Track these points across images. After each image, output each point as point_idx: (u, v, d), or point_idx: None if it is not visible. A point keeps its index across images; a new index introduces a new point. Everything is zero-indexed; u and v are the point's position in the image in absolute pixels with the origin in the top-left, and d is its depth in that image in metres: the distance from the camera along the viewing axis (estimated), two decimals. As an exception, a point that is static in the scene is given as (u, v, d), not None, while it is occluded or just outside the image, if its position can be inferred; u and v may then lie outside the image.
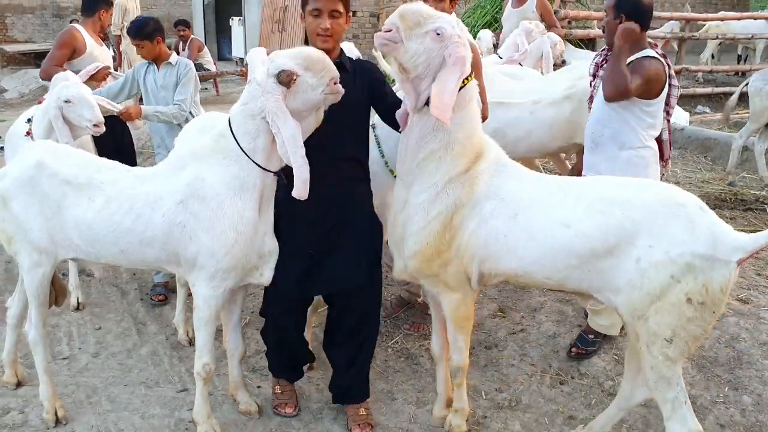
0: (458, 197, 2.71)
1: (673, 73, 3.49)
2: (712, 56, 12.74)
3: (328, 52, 2.83)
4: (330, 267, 3.07)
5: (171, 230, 2.87)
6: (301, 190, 2.61)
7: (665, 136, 3.58)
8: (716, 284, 2.40)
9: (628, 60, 3.34)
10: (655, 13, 10.87)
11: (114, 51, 9.82)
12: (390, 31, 2.59)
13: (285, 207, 2.96)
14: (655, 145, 3.48)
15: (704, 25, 11.00)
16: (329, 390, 3.39)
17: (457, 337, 2.94)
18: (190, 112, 4.39)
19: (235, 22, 16.30)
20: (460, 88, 2.60)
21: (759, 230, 5.04)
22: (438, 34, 2.56)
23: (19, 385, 3.55)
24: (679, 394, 2.54)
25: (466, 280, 2.81)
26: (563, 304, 4.11)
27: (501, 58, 6.20)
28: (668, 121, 3.59)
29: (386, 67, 4.03)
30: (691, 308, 2.42)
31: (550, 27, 7.21)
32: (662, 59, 3.39)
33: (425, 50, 2.57)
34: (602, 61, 3.63)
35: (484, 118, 3.47)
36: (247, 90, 2.76)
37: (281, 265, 3.02)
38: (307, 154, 2.63)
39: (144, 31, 4.36)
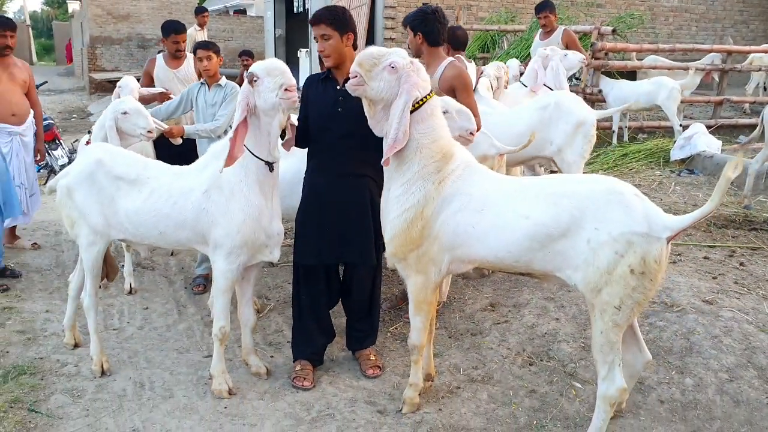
0: (428, 192, 3.26)
1: None
2: (765, 88, 12.82)
3: (335, 68, 3.53)
4: (342, 242, 3.78)
5: (198, 215, 3.57)
6: (220, 165, 3.34)
7: None
8: (651, 257, 2.88)
9: None
10: (696, 46, 11.20)
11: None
12: (355, 77, 3.22)
13: (309, 191, 3.81)
14: None
15: (747, 58, 11.17)
16: (346, 336, 4.13)
17: (416, 318, 3.47)
18: (230, 126, 5.10)
19: (302, 54, 17.35)
20: (419, 106, 3.20)
21: (756, 248, 5.42)
22: (392, 67, 3.18)
23: (76, 346, 4.29)
24: (616, 357, 3.02)
25: (431, 267, 3.35)
26: (547, 301, 4.57)
27: (526, 86, 6.76)
28: None
29: None
30: (634, 278, 2.90)
31: (577, 55, 7.71)
32: None
33: (385, 84, 3.20)
34: None
35: (477, 128, 4.08)
36: None
37: (304, 237, 3.80)
38: (329, 150, 3.59)
39: (214, 44, 5.23)
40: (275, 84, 3.31)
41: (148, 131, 4.52)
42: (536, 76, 6.56)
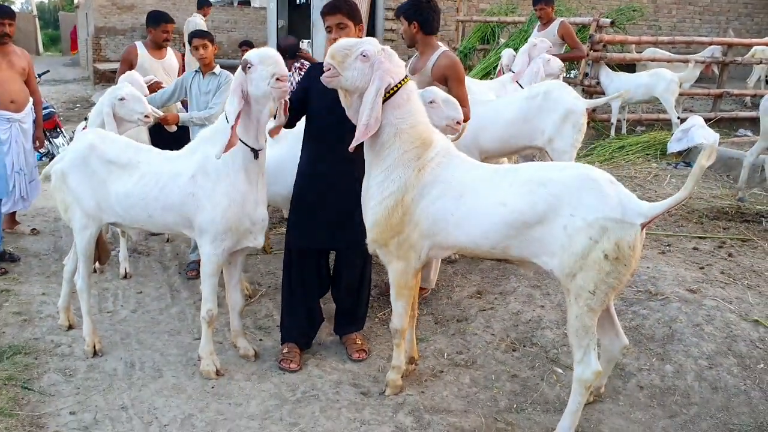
0: (408, 179, 3.31)
1: None
2: (767, 81, 12.81)
3: None
4: (336, 226, 3.87)
5: (184, 199, 3.64)
6: (219, 151, 3.39)
7: None
8: (625, 242, 2.93)
9: None
10: (695, 39, 11.20)
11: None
12: (329, 69, 3.28)
13: (305, 176, 3.90)
14: None
15: (748, 50, 11.16)
16: (334, 321, 4.21)
17: (397, 303, 3.54)
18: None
19: (304, 44, 17.37)
20: (394, 92, 3.26)
21: (746, 240, 5.46)
22: (364, 56, 3.23)
23: (70, 327, 4.38)
24: (591, 341, 3.08)
25: (412, 253, 3.41)
26: (533, 288, 4.64)
27: (514, 73, 6.80)
28: None
29: None
30: (608, 263, 2.94)
31: (573, 48, 7.73)
32: None
33: (359, 72, 3.25)
34: None
35: (466, 119, 4.13)
36: None
37: (299, 220, 3.89)
38: (325, 137, 3.71)
39: (209, 33, 5.31)
40: (268, 73, 3.36)
41: (145, 116, 4.58)
42: (523, 64, 6.59)
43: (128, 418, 3.40)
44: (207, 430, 3.32)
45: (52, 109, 8.87)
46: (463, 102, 4.18)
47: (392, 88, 3.28)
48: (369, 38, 3.41)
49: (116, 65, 20.16)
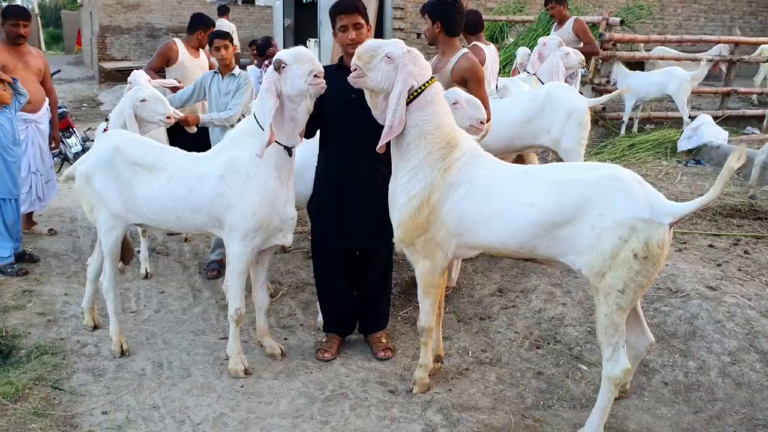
0: (434, 179, 3.35)
1: None
2: (771, 79, 12.83)
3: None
4: (361, 226, 3.90)
5: (213, 199, 3.67)
6: (261, 150, 3.42)
7: None
8: (654, 242, 2.96)
9: None
10: (703, 37, 11.23)
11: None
12: (355, 69, 3.34)
13: (325, 178, 3.93)
14: None
15: (755, 49, 11.19)
16: (358, 320, 4.23)
17: (425, 301, 3.57)
18: (243, 115, 5.20)
19: (311, 44, 17.40)
20: (419, 94, 3.30)
21: (761, 237, 5.50)
22: (389, 58, 3.28)
23: (95, 328, 4.41)
24: (620, 339, 3.11)
25: (438, 252, 3.44)
26: (554, 287, 4.67)
27: (528, 73, 6.84)
28: None
29: None
30: (637, 262, 2.98)
31: (586, 45, 7.75)
32: None
33: (383, 74, 3.31)
34: None
35: (487, 119, 4.16)
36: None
37: (323, 223, 3.94)
38: (344, 136, 3.73)
39: (229, 34, 5.35)
40: (304, 70, 3.41)
41: (167, 117, 4.62)
42: (536, 63, 6.63)
43: (160, 417, 3.43)
44: (239, 429, 3.35)
45: (65, 109, 8.90)
46: (483, 103, 4.21)
47: (416, 90, 3.32)
48: (395, 40, 3.44)
49: (121, 64, 20.22)
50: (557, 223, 3.12)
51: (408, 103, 3.33)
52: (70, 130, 8.70)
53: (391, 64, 3.31)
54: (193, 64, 6.06)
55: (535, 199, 3.17)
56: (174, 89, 5.57)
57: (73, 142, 8.65)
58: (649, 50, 10.91)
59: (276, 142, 3.52)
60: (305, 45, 15.32)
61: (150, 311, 4.75)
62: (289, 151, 3.63)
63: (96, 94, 18.12)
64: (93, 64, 22.64)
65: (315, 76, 3.42)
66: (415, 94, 3.33)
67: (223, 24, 14.29)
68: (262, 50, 8.25)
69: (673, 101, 9.49)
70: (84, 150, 8.80)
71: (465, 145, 3.44)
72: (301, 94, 3.47)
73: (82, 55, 28.19)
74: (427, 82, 3.38)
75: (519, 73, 6.98)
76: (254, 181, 3.57)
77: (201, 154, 3.93)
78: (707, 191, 2.96)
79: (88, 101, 16.83)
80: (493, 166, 3.43)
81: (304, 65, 3.43)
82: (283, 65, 3.43)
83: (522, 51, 7.44)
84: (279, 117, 3.51)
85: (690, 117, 9.20)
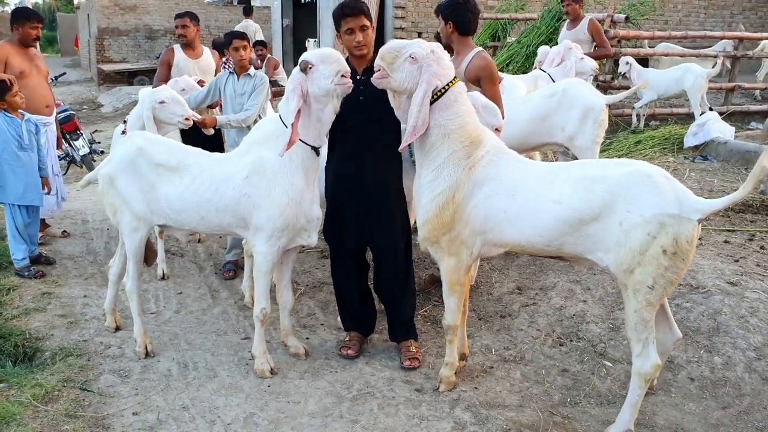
0: (458, 177, 3.35)
1: None
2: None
3: (362, 58, 3.64)
4: (368, 226, 3.89)
5: (239, 200, 3.68)
6: (282, 150, 3.43)
7: None
8: (683, 237, 2.97)
9: None
10: (707, 33, 11.26)
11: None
12: (379, 70, 3.34)
13: (334, 177, 3.93)
14: None
15: (758, 44, 11.24)
16: (388, 327, 4.20)
17: (450, 299, 3.58)
18: (259, 116, 5.20)
19: (310, 44, 17.39)
20: (442, 94, 3.31)
21: (773, 231, 5.52)
22: (413, 58, 3.28)
23: (117, 329, 4.41)
24: (650, 334, 3.12)
25: (463, 249, 3.45)
26: (573, 284, 4.69)
27: (543, 71, 6.85)
28: None
29: None
30: (666, 258, 2.99)
31: (599, 46, 7.75)
32: None
33: (407, 74, 3.31)
34: None
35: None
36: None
37: (331, 222, 3.93)
38: (351, 138, 3.70)
39: (246, 35, 5.35)
40: (331, 71, 3.41)
41: (186, 118, 4.62)
42: (559, 61, 6.63)
43: (191, 417, 3.44)
44: (270, 428, 3.36)
45: (72, 111, 8.89)
46: (497, 102, 4.22)
47: (440, 90, 3.33)
48: (418, 40, 3.45)
49: (120, 66, 20.18)
50: (585, 221, 3.13)
51: (431, 103, 3.34)
52: (78, 132, 8.68)
53: (415, 65, 3.31)
54: (189, 65, 6.01)
55: (562, 197, 3.17)
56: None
57: (81, 144, 8.63)
58: (653, 47, 10.93)
59: (302, 141, 3.53)
60: (304, 45, 15.39)
61: (170, 312, 4.75)
62: (316, 151, 3.63)
63: (95, 96, 18.10)
64: (91, 66, 22.62)
65: (342, 76, 3.43)
66: (439, 94, 3.34)
67: (249, 25, 14.40)
68: (220, 51, 8.38)
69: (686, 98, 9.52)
70: (91, 152, 8.79)
71: (489, 143, 3.45)
72: (327, 94, 3.48)
73: (79, 57, 28.13)
74: (451, 81, 3.39)
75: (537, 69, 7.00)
76: (281, 181, 3.57)
77: (225, 154, 3.95)
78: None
79: (89, 103, 16.82)
80: (519, 164, 3.43)
81: (330, 66, 3.43)
82: (310, 66, 3.44)
83: (543, 49, 7.46)
84: (306, 117, 3.52)
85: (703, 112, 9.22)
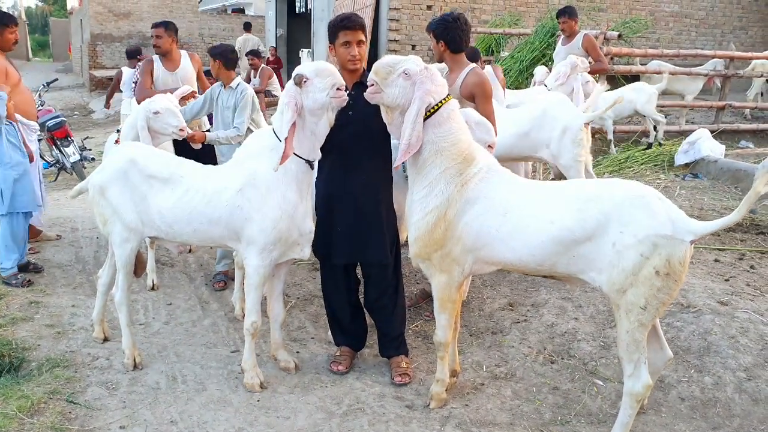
0: (451, 194, 3.34)
1: None
2: (761, 94, 13.00)
3: (354, 72, 3.64)
4: (356, 241, 3.87)
5: (232, 212, 3.66)
6: (276, 164, 3.41)
7: None
8: (676, 258, 2.98)
9: None
10: (699, 52, 11.35)
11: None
12: (372, 85, 3.35)
13: (323, 190, 3.89)
14: None
15: (749, 64, 11.35)
16: (378, 342, 4.17)
17: (441, 316, 3.56)
18: (249, 129, 5.15)
19: (304, 54, 17.44)
20: (435, 111, 3.32)
21: (765, 252, 5.55)
22: (406, 74, 3.29)
23: (105, 340, 4.37)
24: (642, 355, 3.12)
25: (455, 267, 3.44)
26: (565, 301, 4.69)
27: (548, 88, 6.88)
28: None
29: None
30: (659, 279, 2.99)
31: (595, 61, 7.80)
32: None
33: (401, 90, 3.32)
34: None
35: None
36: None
37: (319, 235, 3.88)
38: (340, 152, 3.65)
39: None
40: (326, 84, 3.41)
41: (180, 129, 4.60)
42: (562, 77, 6.67)
43: (179, 432, 3.41)
44: (259, 444, 3.33)
45: (63, 118, 8.84)
46: (490, 118, 4.24)
47: (433, 108, 3.34)
48: (412, 56, 3.46)
49: (112, 72, 20.11)
50: (578, 240, 3.12)
51: (424, 120, 3.34)
52: (68, 138, 8.64)
53: (409, 81, 3.32)
54: (168, 78, 5.90)
55: (555, 216, 3.17)
56: (188, 96, 5.52)
57: (71, 151, 8.59)
58: (644, 64, 11.02)
59: (296, 155, 3.52)
60: (298, 55, 15.43)
61: (159, 324, 4.71)
62: (310, 164, 3.62)
63: (87, 102, 18.03)
64: (83, 72, 22.55)
65: (337, 89, 3.43)
66: (431, 111, 3.34)
67: (249, 39, 14.67)
68: (132, 56, 9.89)
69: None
70: (82, 159, 8.74)
71: (482, 160, 3.44)
72: (322, 107, 3.47)
73: (71, 62, 28.04)
74: (444, 99, 3.40)
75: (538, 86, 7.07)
76: (274, 194, 3.56)
77: (218, 167, 3.93)
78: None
79: (80, 109, 16.76)
80: (511, 182, 3.43)
81: (325, 79, 3.43)
82: (304, 80, 3.44)
83: (540, 70, 7.54)
84: (300, 131, 3.51)
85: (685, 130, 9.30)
